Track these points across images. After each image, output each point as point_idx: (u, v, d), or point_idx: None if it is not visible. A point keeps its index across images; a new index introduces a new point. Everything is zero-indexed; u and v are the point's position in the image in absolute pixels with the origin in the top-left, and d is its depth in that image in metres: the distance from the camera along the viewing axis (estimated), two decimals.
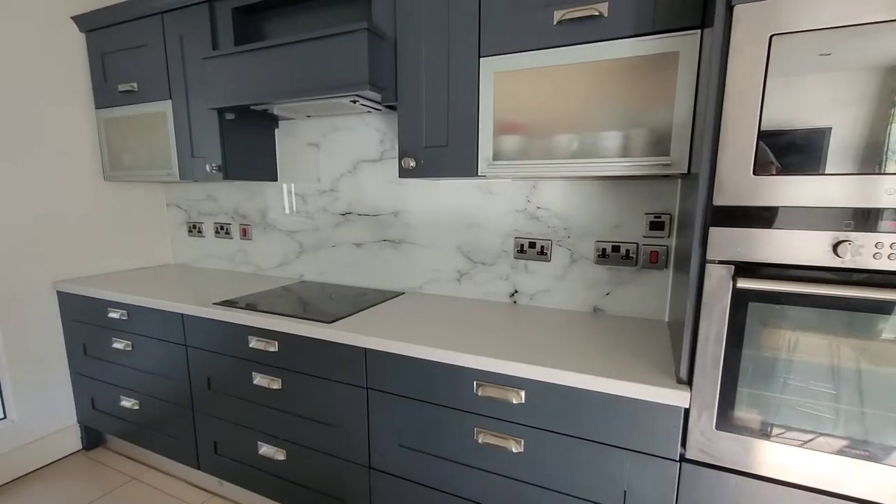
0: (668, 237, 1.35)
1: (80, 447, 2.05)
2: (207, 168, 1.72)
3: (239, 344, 1.48)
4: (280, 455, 1.47)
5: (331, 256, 1.93)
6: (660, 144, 1.08)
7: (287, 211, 2.00)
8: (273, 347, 1.41)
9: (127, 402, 1.81)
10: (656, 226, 1.36)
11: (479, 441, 1.13)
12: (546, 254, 1.52)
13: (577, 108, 1.15)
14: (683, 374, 0.95)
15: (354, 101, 1.47)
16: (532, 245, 1.53)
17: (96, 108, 1.98)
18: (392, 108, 1.53)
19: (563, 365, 1.04)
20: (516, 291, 1.59)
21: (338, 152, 1.83)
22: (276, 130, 1.95)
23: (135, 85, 1.84)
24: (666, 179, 1.32)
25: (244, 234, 2.13)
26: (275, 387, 1.43)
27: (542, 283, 1.55)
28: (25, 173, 1.81)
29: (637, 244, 1.39)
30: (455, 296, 1.70)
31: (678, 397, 0.93)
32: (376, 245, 1.82)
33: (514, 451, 1.09)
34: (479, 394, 1.12)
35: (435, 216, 1.68)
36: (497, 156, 1.25)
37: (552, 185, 1.48)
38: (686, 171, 1.06)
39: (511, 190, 1.54)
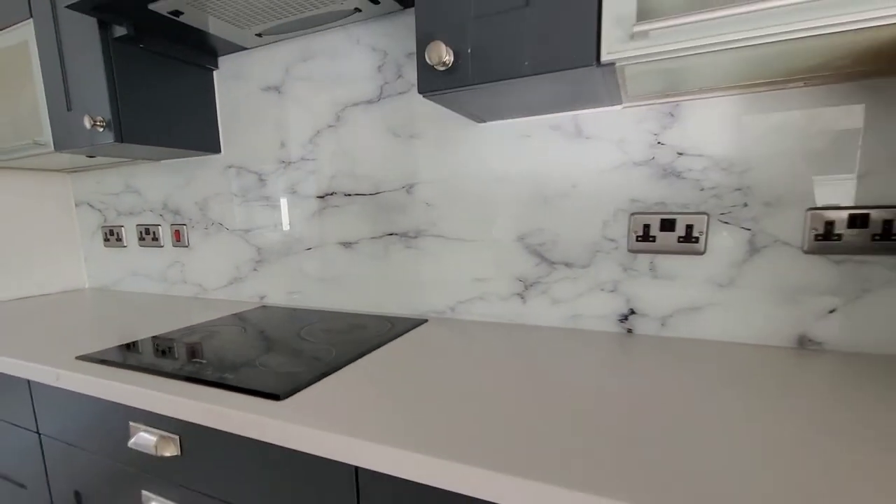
0: None
1: None
2: (86, 123, 1.02)
3: (116, 437, 0.76)
4: None
5: (306, 265, 1.22)
6: None
7: (237, 199, 1.29)
8: (171, 450, 0.69)
9: None
10: None
11: None
12: (697, 239, 0.81)
13: None
14: None
15: None
16: (669, 224, 0.83)
17: None
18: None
19: None
20: (632, 312, 0.88)
21: (310, 96, 1.13)
22: (214, 74, 1.26)
23: None
24: None
25: (177, 238, 1.42)
26: None
27: (686, 294, 0.84)
28: None
29: None
30: (515, 322, 0.98)
31: None
32: (377, 244, 1.11)
33: None
34: None
35: (478, 187, 0.98)
36: (645, 14, 0.56)
37: (707, 109, 0.78)
38: None
39: (625, 126, 0.84)
